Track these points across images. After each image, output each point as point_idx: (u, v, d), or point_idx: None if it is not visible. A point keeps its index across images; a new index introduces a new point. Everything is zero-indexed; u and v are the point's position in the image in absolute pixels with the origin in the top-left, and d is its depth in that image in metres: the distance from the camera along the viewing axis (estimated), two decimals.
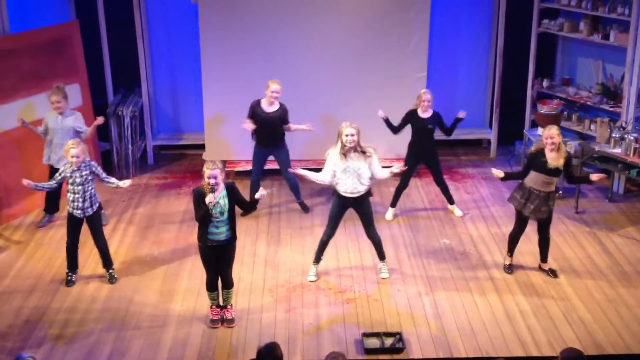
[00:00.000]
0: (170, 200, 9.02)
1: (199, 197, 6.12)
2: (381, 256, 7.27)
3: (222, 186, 6.17)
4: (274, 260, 7.62)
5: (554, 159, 6.83)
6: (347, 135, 6.73)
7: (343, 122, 6.85)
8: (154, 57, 10.10)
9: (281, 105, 8.25)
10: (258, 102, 8.24)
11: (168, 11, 9.94)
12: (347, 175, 6.83)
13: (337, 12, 9.27)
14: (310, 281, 7.17)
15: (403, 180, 8.43)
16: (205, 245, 6.30)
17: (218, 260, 6.37)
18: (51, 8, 9.39)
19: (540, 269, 7.31)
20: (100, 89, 9.75)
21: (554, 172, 6.86)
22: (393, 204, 8.53)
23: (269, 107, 8.21)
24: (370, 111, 9.46)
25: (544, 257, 7.29)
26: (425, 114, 8.16)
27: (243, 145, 9.34)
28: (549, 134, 6.84)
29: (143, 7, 9.73)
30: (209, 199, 6.05)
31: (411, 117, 8.21)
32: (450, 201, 8.58)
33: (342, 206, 7.02)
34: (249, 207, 6.56)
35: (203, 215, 6.14)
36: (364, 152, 6.80)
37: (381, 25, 9.32)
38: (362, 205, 6.99)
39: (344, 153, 6.78)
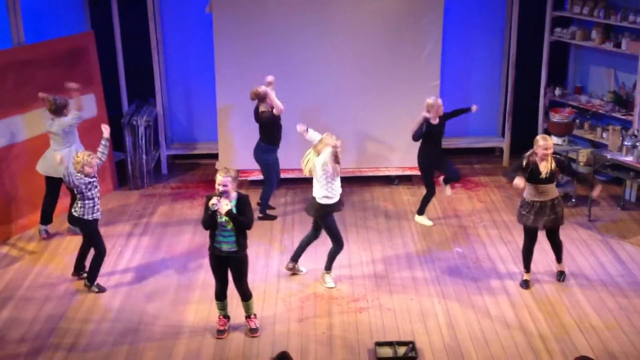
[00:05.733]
0: (183, 210, 9.08)
1: (208, 202, 6.18)
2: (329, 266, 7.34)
3: (233, 195, 6.19)
4: None
5: (545, 167, 6.85)
6: (339, 148, 6.94)
7: (329, 134, 6.99)
8: (169, 67, 10.20)
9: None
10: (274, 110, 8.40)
11: (182, 21, 10.04)
12: (335, 182, 7.00)
13: (350, 20, 9.32)
14: (329, 287, 7.23)
15: (430, 189, 8.46)
16: (212, 254, 6.34)
17: (226, 273, 6.40)
18: (66, 19, 9.51)
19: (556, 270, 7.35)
20: (115, 99, 9.86)
21: (548, 179, 6.87)
22: (421, 212, 8.59)
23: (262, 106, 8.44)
24: (384, 120, 9.54)
25: (558, 258, 7.31)
26: (435, 120, 8.18)
27: None
28: (548, 145, 6.83)
29: (158, 18, 9.83)
30: (212, 200, 6.08)
31: (429, 128, 8.17)
32: (446, 181, 8.59)
33: (332, 217, 7.17)
34: (245, 224, 6.25)
35: (207, 220, 6.17)
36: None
37: (394, 34, 9.36)
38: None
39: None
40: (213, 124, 9.77)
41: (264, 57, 9.32)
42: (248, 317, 6.56)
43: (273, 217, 8.77)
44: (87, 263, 7.32)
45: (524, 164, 6.93)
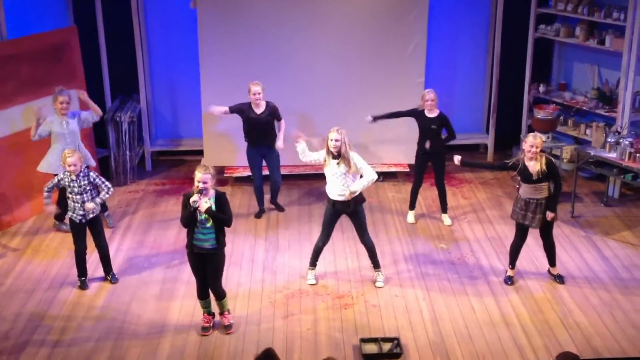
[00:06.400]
0: (168, 207, 9.03)
1: (187, 201, 6.15)
2: (376, 264, 7.27)
3: (211, 193, 6.18)
4: (272, 265, 7.65)
5: (534, 167, 6.86)
6: (331, 140, 6.81)
7: (331, 128, 6.89)
8: (153, 63, 10.13)
9: (268, 105, 8.38)
10: (249, 105, 8.35)
11: (167, 16, 9.97)
12: (333, 179, 6.91)
13: (335, 17, 9.30)
14: (310, 284, 7.22)
15: (416, 180, 8.46)
16: (191, 252, 6.30)
17: (206, 270, 6.37)
18: (49, 14, 9.42)
19: (549, 272, 7.34)
20: (98, 95, 9.73)
21: (540, 179, 6.88)
22: (411, 206, 8.58)
23: (257, 109, 8.34)
24: (368, 115, 9.53)
25: (552, 262, 7.30)
26: (430, 113, 8.16)
27: (242, 150, 9.35)
28: (535, 143, 6.83)
29: (142, 13, 9.76)
30: (193, 198, 6.05)
31: (416, 114, 8.19)
32: (444, 209, 8.59)
33: (334, 213, 7.06)
34: (225, 222, 6.24)
35: (187, 217, 6.14)
36: (347, 160, 6.85)
37: (379, 30, 9.36)
38: (354, 212, 7.04)
39: (331, 157, 6.87)
40: (198, 120, 9.72)
41: (248, 52, 9.28)
42: (222, 313, 6.55)
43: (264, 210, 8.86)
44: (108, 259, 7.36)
45: (513, 163, 6.97)
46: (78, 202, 6.95)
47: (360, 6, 9.33)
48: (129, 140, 9.59)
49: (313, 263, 7.30)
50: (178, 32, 9.97)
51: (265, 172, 8.78)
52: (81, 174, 6.93)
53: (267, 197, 9.05)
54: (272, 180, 8.76)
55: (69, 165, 6.86)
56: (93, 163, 8.13)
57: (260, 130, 8.38)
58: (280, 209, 8.87)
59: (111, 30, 9.74)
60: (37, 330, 6.53)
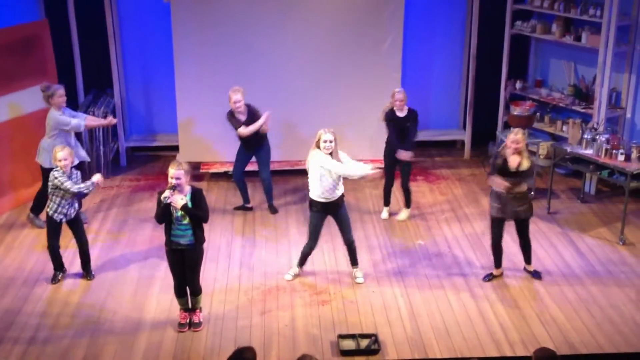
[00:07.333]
0: (143, 203, 8.92)
1: (160, 198, 6.07)
2: (355, 261, 7.23)
3: (187, 189, 6.10)
4: (249, 262, 7.59)
5: (513, 161, 6.87)
6: (325, 142, 6.71)
7: (321, 129, 6.78)
8: (126, 57, 9.99)
9: (249, 109, 8.21)
10: (232, 113, 8.19)
11: (140, 10, 9.82)
12: (322, 181, 6.80)
13: (311, 12, 9.25)
14: (287, 280, 7.16)
15: (387, 178, 8.43)
16: (169, 248, 6.22)
17: (184, 267, 6.28)
18: (19, 6, 9.21)
19: (525, 270, 7.35)
20: (71, 90, 9.56)
21: (516, 174, 6.88)
22: (386, 203, 8.55)
23: (241, 116, 8.21)
24: (344, 111, 9.51)
25: (528, 259, 7.31)
26: (401, 112, 8.14)
27: (218, 146, 9.29)
28: (517, 139, 6.83)
29: (114, 6, 9.61)
30: (164, 194, 5.97)
31: (390, 117, 8.17)
32: (407, 204, 8.52)
33: (322, 217, 6.98)
34: (202, 218, 6.18)
35: (160, 213, 6.05)
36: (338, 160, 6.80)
37: (355, 25, 9.32)
38: (338, 209, 6.99)
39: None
40: (173, 115, 9.61)
41: (223, 46, 9.19)
42: (194, 310, 6.48)
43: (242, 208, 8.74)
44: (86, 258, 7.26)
45: (497, 159, 6.93)
46: (68, 199, 6.85)
47: (336, 1, 9.27)
48: (102, 136, 9.45)
49: (300, 263, 7.24)
50: (152, 25, 9.83)
51: (252, 167, 8.68)
52: (72, 170, 6.87)
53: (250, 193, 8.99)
54: (261, 178, 8.61)
55: (59, 160, 6.73)
56: (88, 158, 8.16)
57: (249, 136, 8.19)
58: (274, 211, 8.67)
59: (84, 24, 9.57)
60: (11, 327, 6.42)
